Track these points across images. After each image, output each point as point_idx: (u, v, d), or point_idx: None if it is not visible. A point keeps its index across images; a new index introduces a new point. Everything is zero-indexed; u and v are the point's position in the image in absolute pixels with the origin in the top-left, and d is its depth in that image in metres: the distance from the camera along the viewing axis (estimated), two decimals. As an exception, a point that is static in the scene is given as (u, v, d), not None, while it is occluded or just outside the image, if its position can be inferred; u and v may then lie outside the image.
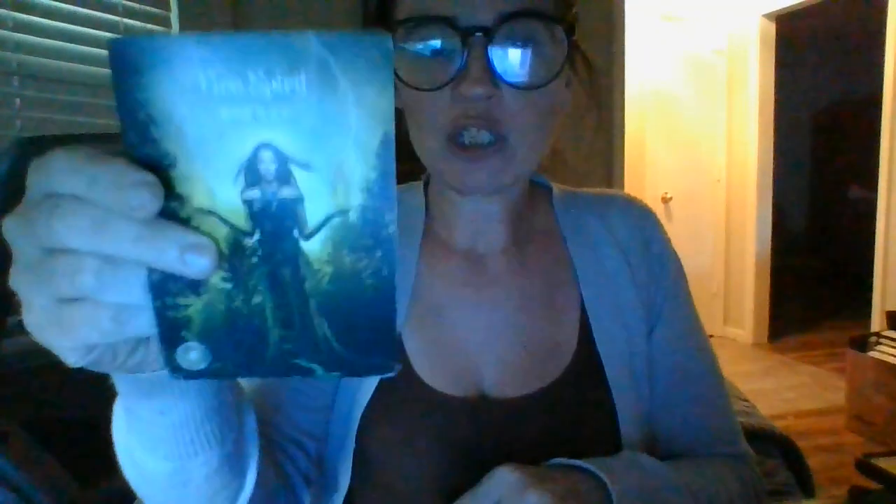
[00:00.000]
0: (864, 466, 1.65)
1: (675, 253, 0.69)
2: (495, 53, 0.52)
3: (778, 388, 3.55)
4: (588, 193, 0.71)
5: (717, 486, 0.61)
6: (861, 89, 5.08)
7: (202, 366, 0.28)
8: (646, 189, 4.26)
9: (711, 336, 4.45)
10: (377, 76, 0.24)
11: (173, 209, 0.26)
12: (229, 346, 0.27)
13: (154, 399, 0.36)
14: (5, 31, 1.39)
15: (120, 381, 0.35)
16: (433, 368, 0.61)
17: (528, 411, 0.60)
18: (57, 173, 0.26)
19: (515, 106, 0.54)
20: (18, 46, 1.41)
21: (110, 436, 0.41)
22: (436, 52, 0.53)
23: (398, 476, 0.59)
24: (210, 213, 0.26)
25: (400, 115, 0.61)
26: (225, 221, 0.26)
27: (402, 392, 0.60)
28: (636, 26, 3.71)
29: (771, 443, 1.27)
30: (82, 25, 1.53)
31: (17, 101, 1.42)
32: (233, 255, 0.26)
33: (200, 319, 0.27)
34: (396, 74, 0.54)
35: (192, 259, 0.25)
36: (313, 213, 0.26)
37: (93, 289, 0.26)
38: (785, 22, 4.20)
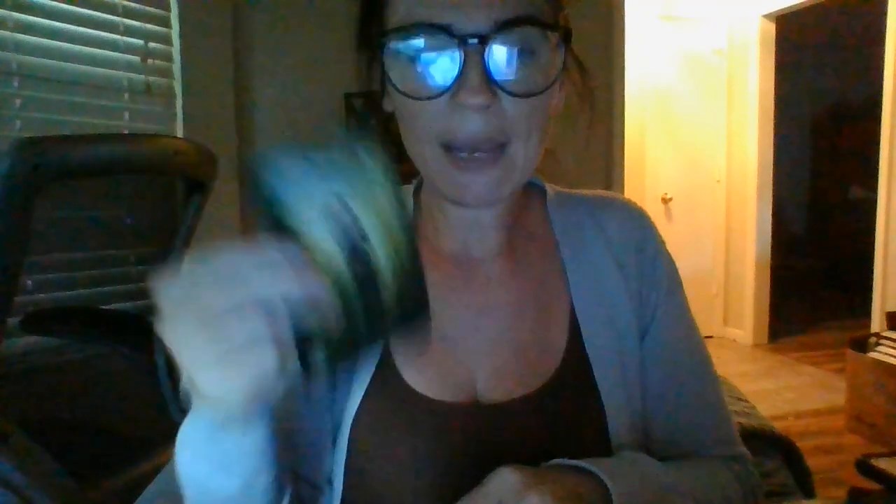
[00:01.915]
0: (864, 467, 1.66)
1: (670, 256, 0.69)
2: (492, 61, 0.51)
3: (778, 389, 3.55)
4: (583, 195, 0.70)
5: (715, 488, 0.61)
6: (861, 90, 5.08)
7: (322, 369, 0.39)
8: (646, 189, 4.25)
9: (711, 337, 4.46)
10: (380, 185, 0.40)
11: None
12: (338, 347, 0.40)
13: (246, 422, 0.43)
14: (5, 31, 1.39)
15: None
16: (425, 375, 0.60)
17: (518, 416, 0.59)
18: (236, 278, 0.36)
19: (514, 113, 0.53)
20: (18, 46, 1.41)
21: (110, 436, 0.42)
22: (430, 60, 0.53)
23: (392, 483, 0.59)
24: (322, 259, 0.39)
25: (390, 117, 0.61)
26: (329, 263, 0.39)
27: (393, 399, 0.60)
28: (636, 26, 3.71)
29: (770, 443, 1.27)
30: (82, 25, 1.54)
31: (17, 101, 1.42)
32: (335, 282, 0.39)
33: (320, 334, 0.39)
34: (391, 82, 0.54)
35: (313, 288, 0.37)
36: (376, 245, 0.40)
37: (260, 331, 0.35)
38: (785, 22, 4.20)
